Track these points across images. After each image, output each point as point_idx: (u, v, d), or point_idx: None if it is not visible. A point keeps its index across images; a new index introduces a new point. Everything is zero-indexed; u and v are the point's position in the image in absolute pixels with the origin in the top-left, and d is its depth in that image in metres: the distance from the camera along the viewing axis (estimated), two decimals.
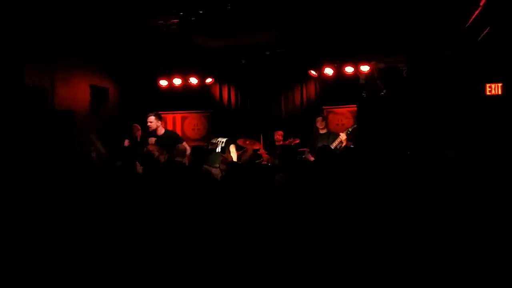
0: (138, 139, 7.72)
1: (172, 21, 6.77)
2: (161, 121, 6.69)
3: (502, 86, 5.82)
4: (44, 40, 6.82)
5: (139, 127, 7.83)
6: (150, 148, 5.80)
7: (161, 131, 6.61)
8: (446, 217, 3.50)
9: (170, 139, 6.46)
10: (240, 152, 7.35)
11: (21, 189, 4.21)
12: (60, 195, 4.12)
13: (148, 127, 6.61)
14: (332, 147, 6.98)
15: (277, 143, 7.88)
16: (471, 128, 5.66)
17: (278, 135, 8.00)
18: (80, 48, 7.62)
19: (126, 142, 7.38)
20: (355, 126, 7.16)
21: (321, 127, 7.36)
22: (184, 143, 6.49)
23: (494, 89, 5.84)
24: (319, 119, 7.44)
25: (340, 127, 8.25)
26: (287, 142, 7.81)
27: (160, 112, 9.09)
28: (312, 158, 6.95)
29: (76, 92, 7.82)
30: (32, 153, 5.73)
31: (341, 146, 6.96)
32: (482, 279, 2.96)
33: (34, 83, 6.56)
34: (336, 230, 3.54)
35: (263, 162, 7.02)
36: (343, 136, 6.97)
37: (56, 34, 6.86)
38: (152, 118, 6.53)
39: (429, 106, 6.00)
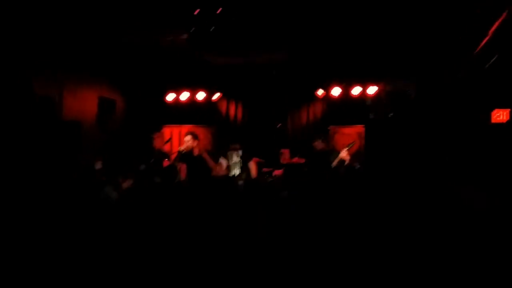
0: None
1: (182, 37, 6.83)
2: (197, 140, 6.25)
3: (509, 113, 5.84)
4: (54, 51, 6.86)
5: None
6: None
7: (196, 151, 6.19)
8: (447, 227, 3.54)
9: (203, 161, 6.12)
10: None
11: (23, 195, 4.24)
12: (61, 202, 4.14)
13: (184, 146, 6.20)
14: (333, 165, 6.91)
15: (282, 161, 7.86)
16: (477, 154, 5.67)
17: (285, 153, 7.99)
18: (89, 60, 7.66)
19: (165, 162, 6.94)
20: (354, 142, 7.02)
21: (318, 148, 6.99)
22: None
23: (501, 115, 5.87)
24: (319, 141, 7.02)
25: None
26: (294, 160, 7.77)
27: (165, 125, 9.26)
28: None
29: (84, 103, 7.84)
30: (38, 162, 5.75)
31: (344, 163, 6.86)
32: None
33: (43, 93, 6.58)
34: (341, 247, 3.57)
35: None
36: (343, 153, 6.80)
37: (66, 46, 6.91)
38: (189, 138, 6.17)
39: (435, 131, 6.02)
